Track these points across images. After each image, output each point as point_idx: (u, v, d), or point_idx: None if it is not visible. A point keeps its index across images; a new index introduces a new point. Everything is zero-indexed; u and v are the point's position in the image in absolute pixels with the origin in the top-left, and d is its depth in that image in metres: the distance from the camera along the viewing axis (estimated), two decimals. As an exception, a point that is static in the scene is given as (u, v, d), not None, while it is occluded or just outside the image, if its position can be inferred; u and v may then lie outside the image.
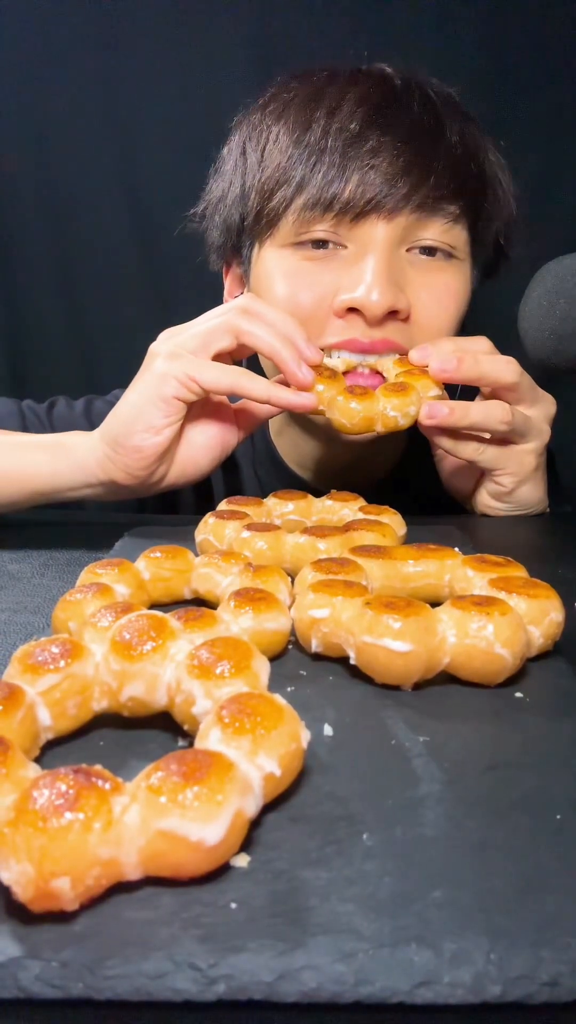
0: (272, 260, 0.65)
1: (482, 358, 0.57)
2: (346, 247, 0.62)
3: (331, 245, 0.62)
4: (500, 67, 1.02)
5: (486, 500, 0.65)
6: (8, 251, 1.08)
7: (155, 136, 1.03)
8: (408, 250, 0.63)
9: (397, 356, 0.61)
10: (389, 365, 0.61)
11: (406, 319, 0.62)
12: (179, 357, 0.55)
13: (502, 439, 0.60)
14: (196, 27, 1.00)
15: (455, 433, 0.59)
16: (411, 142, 0.60)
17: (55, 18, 0.99)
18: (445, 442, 0.59)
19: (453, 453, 0.60)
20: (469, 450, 0.60)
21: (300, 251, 0.63)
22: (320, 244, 0.63)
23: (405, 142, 0.60)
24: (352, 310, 0.61)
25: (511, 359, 0.58)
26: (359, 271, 0.60)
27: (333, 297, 0.62)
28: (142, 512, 0.78)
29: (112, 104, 1.02)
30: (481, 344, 0.59)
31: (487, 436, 0.59)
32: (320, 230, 0.62)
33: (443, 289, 0.64)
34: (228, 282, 0.77)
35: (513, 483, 0.62)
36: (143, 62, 1.01)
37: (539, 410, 0.60)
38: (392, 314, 0.61)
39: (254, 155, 0.64)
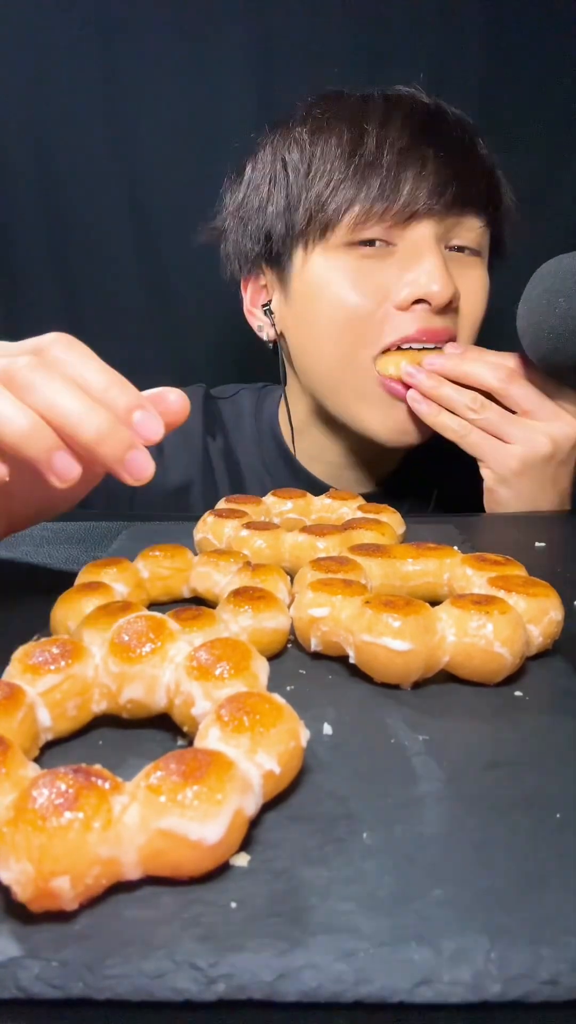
0: (324, 263, 0.69)
1: (470, 354, 0.66)
2: (395, 245, 0.67)
3: (378, 243, 0.67)
4: (501, 67, 1.02)
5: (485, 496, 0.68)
6: (9, 251, 1.08)
7: (156, 140, 1.03)
8: (445, 247, 0.69)
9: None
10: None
11: (456, 309, 0.69)
12: None
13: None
14: (197, 29, 1.00)
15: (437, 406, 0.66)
16: (454, 154, 0.67)
17: (55, 20, 0.99)
18: (423, 409, 0.66)
19: (432, 424, 0.66)
20: (453, 425, 0.66)
21: (354, 251, 0.68)
22: (369, 243, 0.67)
23: (449, 154, 0.67)
24: (417, 301, 0.66)
25: (499, 364, 0.65)
26: (420, 265, 0.66)
27: (393, 292, 0.67)
28: (136, 511, 0.78)
29: (113, 111, 1.03)
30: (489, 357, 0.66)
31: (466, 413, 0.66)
32: (372, 231, 0.67)
33: (478, 283, 0.71)
34: (249, 293, 0.79)
35: (493, 480, 0.66)
36: (144, 68, 1.01)
37: (548, 425, 0.64)
38: (449, 303, 0.67)
39: (300, 167, 0.69)
